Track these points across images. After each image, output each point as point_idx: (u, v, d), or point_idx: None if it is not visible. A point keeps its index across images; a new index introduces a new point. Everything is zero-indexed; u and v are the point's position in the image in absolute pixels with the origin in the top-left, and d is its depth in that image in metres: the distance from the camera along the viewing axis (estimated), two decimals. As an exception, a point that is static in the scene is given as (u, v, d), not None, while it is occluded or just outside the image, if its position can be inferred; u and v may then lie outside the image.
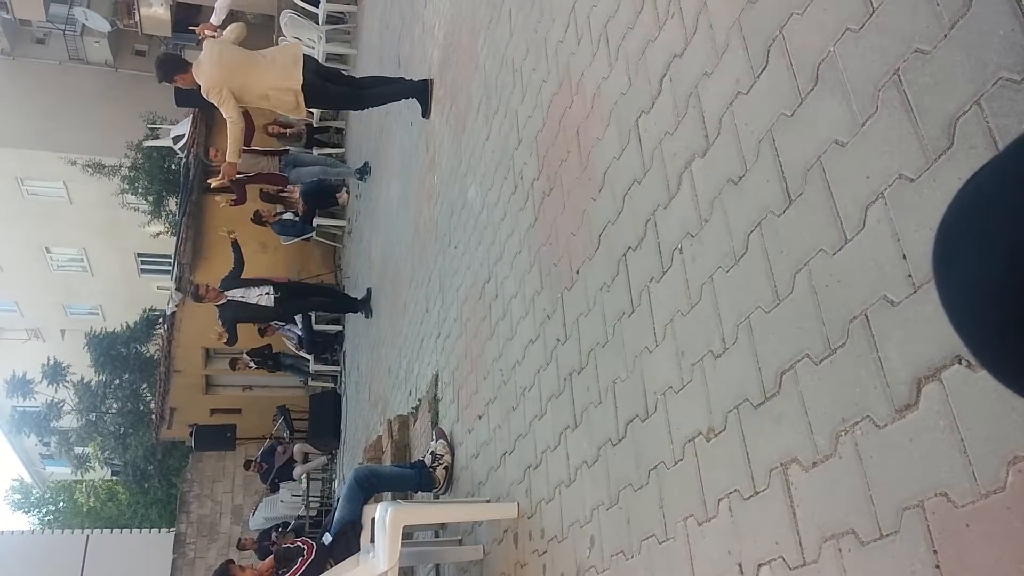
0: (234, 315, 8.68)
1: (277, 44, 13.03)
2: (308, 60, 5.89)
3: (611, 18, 2.82)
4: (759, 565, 1.85)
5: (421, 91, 6.10)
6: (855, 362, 1.58)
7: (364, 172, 9.82)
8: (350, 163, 12.27)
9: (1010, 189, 0.62)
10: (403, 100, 6.40)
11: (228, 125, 5.84)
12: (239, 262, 8.96)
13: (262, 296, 8.60)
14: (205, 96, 5.75)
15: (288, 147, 10.80)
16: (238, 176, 9.08)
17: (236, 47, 5.83)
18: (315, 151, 12.72)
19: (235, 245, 9.08)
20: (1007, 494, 1.26)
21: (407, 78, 6.44)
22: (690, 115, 2.27)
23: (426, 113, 6.12)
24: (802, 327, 1.74)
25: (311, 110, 12.52)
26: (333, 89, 6.20)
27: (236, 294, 8.55)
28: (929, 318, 1.41)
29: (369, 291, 9.34)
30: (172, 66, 6.01)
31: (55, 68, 21.29)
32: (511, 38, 4.03)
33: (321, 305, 10.78)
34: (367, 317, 9.31)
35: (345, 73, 7.62)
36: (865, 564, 1.54)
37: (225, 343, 9.04)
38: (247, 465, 13.16)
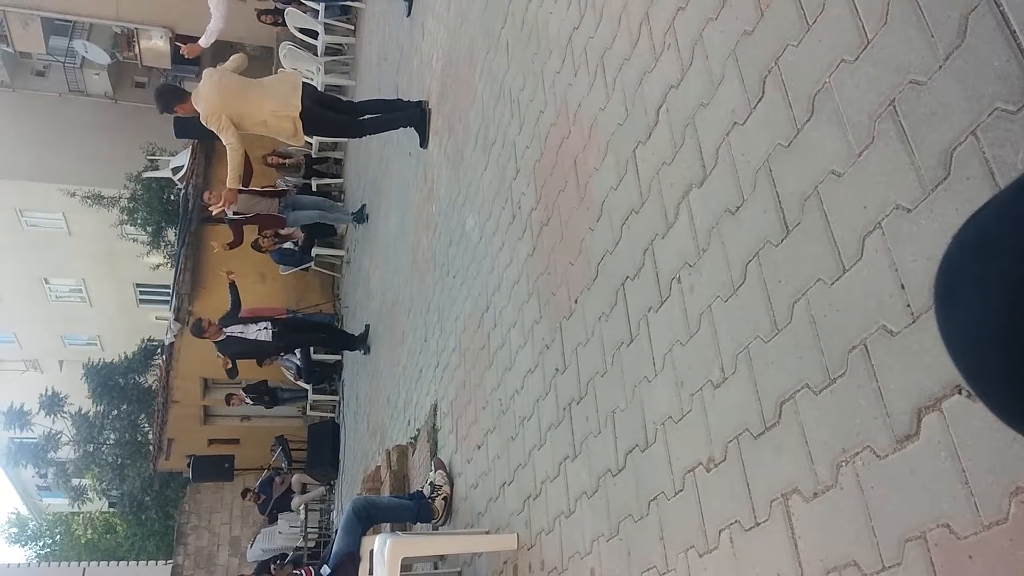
0: (233, 351, 8.91)
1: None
2: (307, 87, 5.94)
3: (607, 49, 2.85)
4: (762, 598, 1.83)
5: (419, 119, 6.14)
6: (855, 392, 1.58)
7: (361, 218, 10.02)
8: (348, 195, 12.33)
9: (1012, 230, 0.61)
10: (401, 129, 6.44)
11: (228, 151, 5.87)
12: (236, 303, 9.13)
13: (260, 331, 8.81)
14: (204, 123, 5.79)
15: (286, 188, 10.85)
16: (235, 217, 9.18)
17: (235, 75, 5.88)
18: (314, 182, 12.76)
19: (232, 286, 9.25)
20: (1010, 525, 1.25)
21: (405, 99, 6.49)
22: (687, 145, 2.28)
23: (424, 143, 6.16)
24: (801, 357, 1.74)
25: (310, 140, 12.61)
26: (331, 117, 6.24)
27: (235, 330, 8.75)
28: (928, 348, 1.40)
29: (367, 327, 9.38)
30: (171, 96, 6.06)
31: (55, 100, 21.42)
32: (508, 69, 4.06)
33: (319, 341, 10.92)
34: (365, 354, 9.36)
35: (344, 99, 7.65)
36: (869, 597, 1.52)
37: (227, 372, 9.23)
38: (244, 493, 13.06)
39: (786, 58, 1.85)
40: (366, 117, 6.49)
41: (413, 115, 6.20)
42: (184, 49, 6.98)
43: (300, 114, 5.76)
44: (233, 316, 8.95)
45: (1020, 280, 0.58)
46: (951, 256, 0.66)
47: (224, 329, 8.73)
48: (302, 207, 10.28)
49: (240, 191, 9.30)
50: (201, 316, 8.79)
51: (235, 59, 6.01)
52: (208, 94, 5.69)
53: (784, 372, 1.79)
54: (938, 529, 1.37)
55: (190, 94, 5.87)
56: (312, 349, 11.93)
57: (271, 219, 9.96)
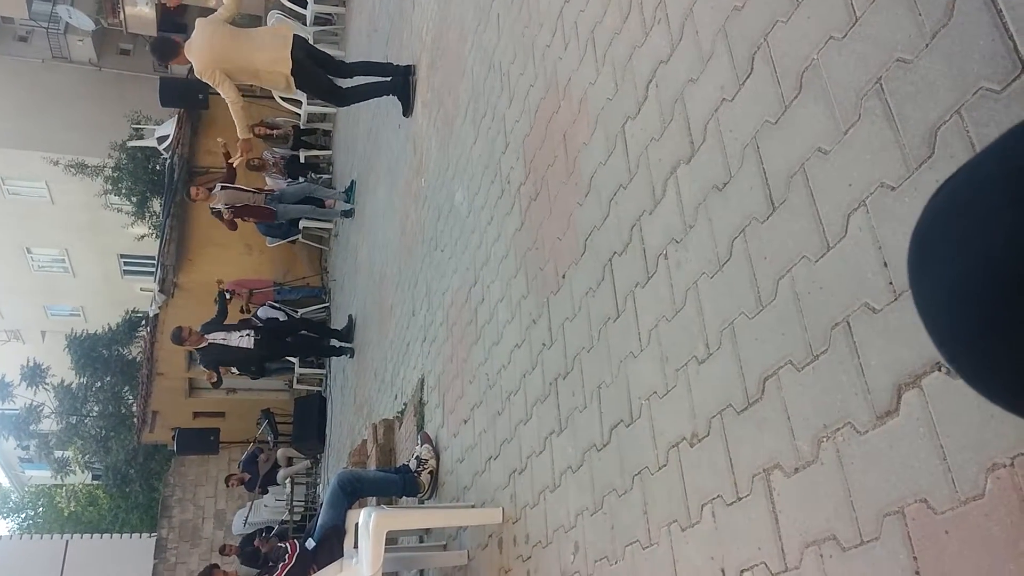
0: (216, 358, 8.67)
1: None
2: (298, 40, 5.91)
3: (598, 23, 2.83)
4: (742, 571, 1.86)
5: (402, 88, 6.13)
6: (837, 368, 1.59)
7: (349, 213, 10.08)
8: (337, 167, 12.25)
9: (978, 192, 0.62)
10: (387, 97, 6.41)
11: (229, 105, 5.89)
12: (222, 312, 9.15)
13: (243, 338, 8.60)
14: (199, 77, 5.78)
15: (273, 188, 10.85)
16: (225, 207, 9.14)
17: (227, 27, 5.83)
18: (302, 153, 12.67)
19: (221, 295, 9.37)
20: (986, 501, 1.27)
21: (394, 63, 6.47)
22: (676, 121, 2.28)
23: (407, 111, 6.13)
24: (785, 333, 1.75)
25: (298, 111, 12.51)
26: (321, 76, 6.23)
27: (217, 337, 8.55)
28: (910, 325, 1.42)
29: (351, 320, 9.36)
30: (167, 49, 6.10)
31: (38, 66, 21.10)
32: (499, 42, 4.04)
33: (304, 347, 10.70)
34: (350, 357, 9.33)
35: (335, 58, 7.61)
36: (846, 570, 1.54)
37: (213, 385, 9.16)
38: (228, 480, 13.04)
39: (775, 34, 1.85)
40: (352, 86, 6.45)
41: (397, 83, 6.17)
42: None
43: (292, 70, 5.73)
44: (217, 324, 8.82)
45: (986, 239, 0.59)
46: (923, 221, 0.67)
47: (206, 336, 8.51)
48: (290, 198, 10.30)
49: (224, 187, 9.23)
50: (181, 324, 8.56)
51: (228, 5, 5.92)
52: (199, 48, 5.66)
53: (768, 348, 1.81)
54: (916, 504, 1.39)
55: (183, 45, 5.85)
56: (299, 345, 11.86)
57: (261, 211, 9.90)
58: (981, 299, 0.59)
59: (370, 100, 6.77)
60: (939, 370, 1.36)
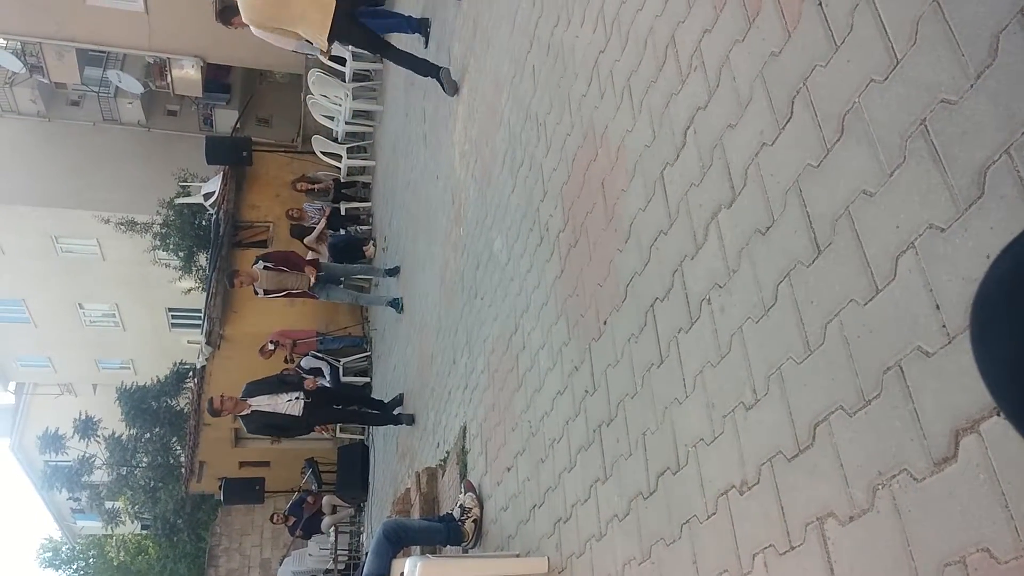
0: (260, 425, 7.77)
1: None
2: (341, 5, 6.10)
3: (634, 72, 2.86)
4: (798, 623, 1.80)
5: (437, 72, 6.43)
6: (890, 414, 1.56)
7: (397, 305, 9.28)
8: (376, 219, 12.40)
9: None
10: (426, 78, 6.73)
11: (284, 46, 6.39)
12: (269, 380, 8.25)
13: (291, 403, 7.65)
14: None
15: (317, 257, 10.79)
16: (266, 293, 9.00)
17: None
18: (342, 206, 12.88)
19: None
20: (1054, 550, 1.22)
21: (431, 61, 6.77)
22: (715, 166, 2.28)
23: (449, 89, 6.35)
24: (835, 378, 1.72)
25: (338, 164, 12.75)
26: (362, 28, 6.48)
27: (263, 402, 7.58)
28: (965, 369, 1.39)
29: (400, 397, 8.59)
30: (228, 13, 6.70)
31: (89, 129, 21.85)
32: (535, 93, 4.09)
33: (354, 415, 9.70)
34: (409, 425, 8.20)
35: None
36: (909, 623, 1.49)
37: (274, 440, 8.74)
38: (273, 517, 13.10)
39: (814, 79, 1.85)
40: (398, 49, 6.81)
41: (434, 68, 6.49)
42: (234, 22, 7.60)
43: (334, 18, 5.93)
44: (260, 386, 7.86)
45: None
46: (986, 289, 0.66)
47: (249, 401, 7.52)
48: (333, 279, 9.72)
49: (267, 268, 8.82)
50: (212, 396, 7.60)
51: None
52: (246, 11, 5.97)
53: (817, 393, 1.78)
54: (978, 553, 1.34)
55: (238, 10, 6.20)
56: (341, 371, 11.85)
57: (303, 296, 9.54)
58: None
59: (409, 73, 7.15)
60: (998, 415, 1.32)
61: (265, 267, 8.84)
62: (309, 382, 8.02)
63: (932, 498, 1.45)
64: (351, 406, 9.39)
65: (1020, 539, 1.27)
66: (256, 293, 9.04)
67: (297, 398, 7.67)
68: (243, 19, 6.10)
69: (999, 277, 0.65)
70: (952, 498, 1.41)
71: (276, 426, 7.93)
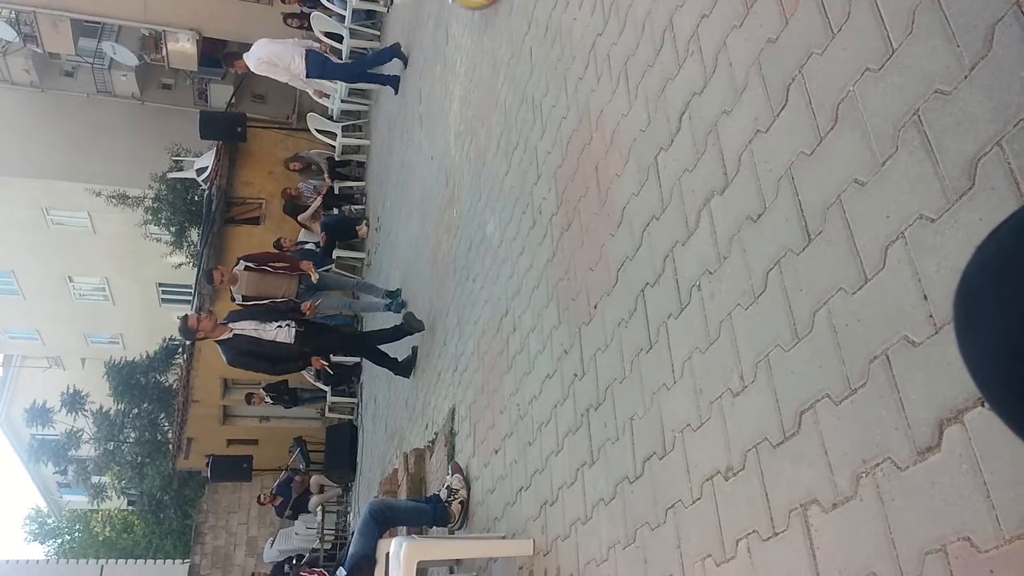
0: (243, 352, 6.60)
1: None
2: None
3: (631, 56, 2.85)
4: (778, 608, 1.82)
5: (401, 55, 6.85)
6: (876, 403, 1.57)
7: (395, 297, 8.07)
8: (370, 198, 12.35)
9: None
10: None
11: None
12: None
13: (281, 329, 6.61)
14: None
15: (307, 241, 10.52)
16: (244, 300, 7.21)
17: None
18: (336, 185, 12.82)
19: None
20: (1033, 540, 1.23)
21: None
22: (709, 152, 2.27)
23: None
24: (822, 366, 1.73)
25: (333, 143, 12.69)
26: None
27: (246, 327, 6.55)
28: (951, 359, 1.39)
29: (414, 350, 7.37)
30: None
31: (82, 100, 21.65)
32: (531, 75, 4.07)
33: (352, 345, 8.74)
34: (406, 377, 7.49)
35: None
36: (887, 609, 1.51)
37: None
38: (260, 498, 13.11)
39: (810, 66, 1.84)
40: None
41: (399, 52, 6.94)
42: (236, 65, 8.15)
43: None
44: (244, 313, 6.79)
45: None
46: (970, 275, 0.65)
47: (231, 325, 6.50)
48: (326, 290, 7.95)
49: (248, 269, 7.21)
50: (187, 312, 6.56)
51: None
52: None
53: (804, 381, 1.78)
54: (959, 542, 1.36)
55: None
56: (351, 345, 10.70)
57: (286, 302, 7.61)
58: None
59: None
60: (982, 405, 1.33)
61: (247, 268, 7.24)
62: (307, 306, 6.87)
63: (915, 487, 1.46)
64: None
65: (1001, 528, 1.28)
66: (233, 299, 7.28)
67: (288, 324, 6.65)
68: None
69: (983, 263, 0.64)
70: (935, 487, 1.42)
71: (264, 356, 6.68)
